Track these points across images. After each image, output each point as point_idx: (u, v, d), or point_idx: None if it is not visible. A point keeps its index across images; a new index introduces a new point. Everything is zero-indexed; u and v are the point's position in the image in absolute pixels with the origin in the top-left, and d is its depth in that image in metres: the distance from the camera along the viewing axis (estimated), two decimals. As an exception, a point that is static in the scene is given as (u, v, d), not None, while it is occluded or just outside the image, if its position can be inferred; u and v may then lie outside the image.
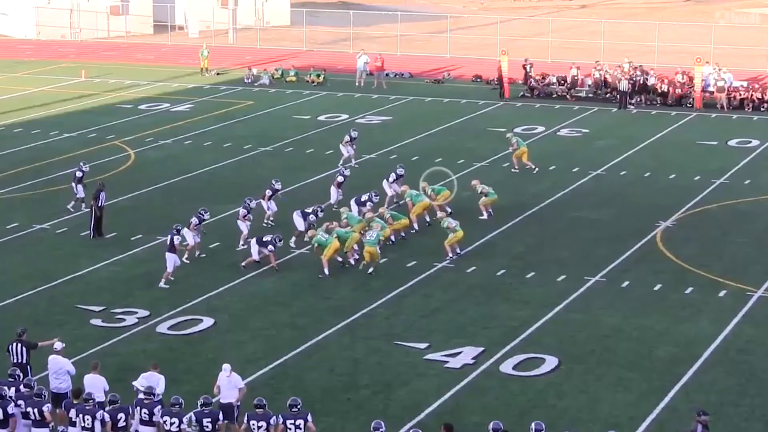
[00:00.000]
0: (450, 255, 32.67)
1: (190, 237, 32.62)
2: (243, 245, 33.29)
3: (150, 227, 35.54)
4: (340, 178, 37.61)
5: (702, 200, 38.80)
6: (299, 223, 34.06)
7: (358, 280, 31.36)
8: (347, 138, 43.35)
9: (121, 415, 20.67)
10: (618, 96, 54.32)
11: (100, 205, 34.81)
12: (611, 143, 46.94)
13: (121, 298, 30.07)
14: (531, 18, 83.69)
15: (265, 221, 35.30)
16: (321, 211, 34.41)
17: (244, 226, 33.73)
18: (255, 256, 32.08)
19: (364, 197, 35.39)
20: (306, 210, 34.27)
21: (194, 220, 32.93)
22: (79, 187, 37.61)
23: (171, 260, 31.05)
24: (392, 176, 37.91)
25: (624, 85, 54.04)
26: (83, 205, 37.19)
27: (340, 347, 26.91)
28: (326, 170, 42.33)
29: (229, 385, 22.15)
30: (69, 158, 44.43)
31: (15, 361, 23.46)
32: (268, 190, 36.00)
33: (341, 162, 42.65)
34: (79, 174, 37.86)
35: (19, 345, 23.60)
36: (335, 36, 75.98)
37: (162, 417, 20.73)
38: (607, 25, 72.30)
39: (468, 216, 36.37)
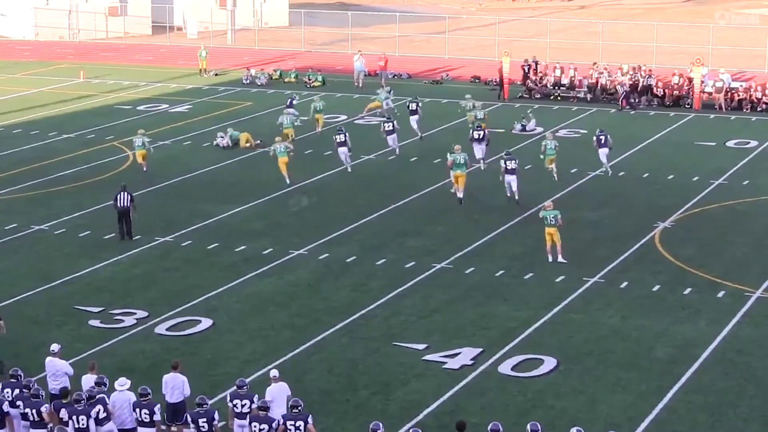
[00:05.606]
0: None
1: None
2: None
3: (149, 228, 35.50)
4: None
5: (700, 201, 38.80)
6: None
7: (357, 281, 31.37)
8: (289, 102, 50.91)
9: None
10: (625, 96, 54.14)
11: (123, 206, 34.31)
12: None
13: (120, 299, 30.05)
14: (529, 19, 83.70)
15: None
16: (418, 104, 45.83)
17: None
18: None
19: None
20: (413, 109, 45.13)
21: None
22: (340, 136, 42.23)
23: (343, 155, 41.59)
24: None
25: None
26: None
27: (339, 348, 26.90)
28: (325, 170, 42.36)
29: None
30: (68, 159, 44.45)
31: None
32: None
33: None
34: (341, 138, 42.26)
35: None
36: (333, 37, 75.98)
37: (231, 401, 21.12)
38: (606, 25, 72.34)
39: (466, 216, 36.45)
